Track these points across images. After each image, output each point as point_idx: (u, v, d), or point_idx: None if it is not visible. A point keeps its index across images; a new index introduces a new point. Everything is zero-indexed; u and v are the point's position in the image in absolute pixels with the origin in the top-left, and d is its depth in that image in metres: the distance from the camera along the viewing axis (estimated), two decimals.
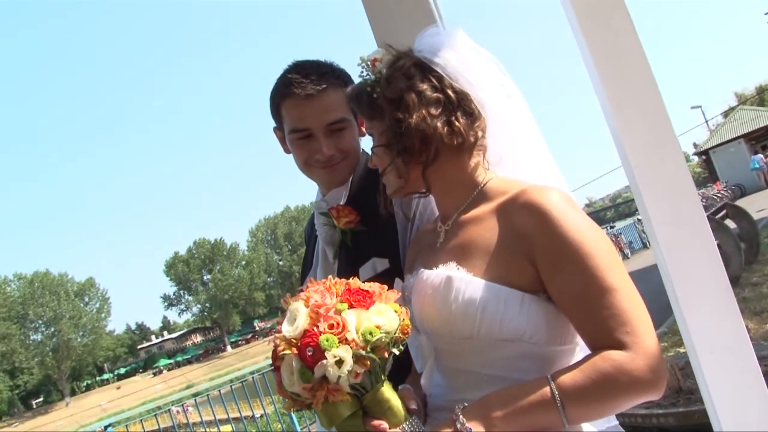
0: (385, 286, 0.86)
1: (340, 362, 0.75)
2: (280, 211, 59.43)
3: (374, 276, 1.14)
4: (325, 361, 0.75)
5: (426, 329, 0.93)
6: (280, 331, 0.81)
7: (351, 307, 0.80)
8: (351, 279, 0.86)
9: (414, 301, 0.93)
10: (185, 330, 63.20)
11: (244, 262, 56.28)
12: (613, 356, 0.76)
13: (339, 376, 0.76)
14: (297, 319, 0.79)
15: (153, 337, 64.06)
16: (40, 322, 47.78)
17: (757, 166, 20.93)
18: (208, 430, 7.88)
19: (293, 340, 0.79)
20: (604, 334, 0.78)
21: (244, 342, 56.82)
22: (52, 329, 47.75)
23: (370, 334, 0.77)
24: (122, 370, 57.87)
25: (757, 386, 1.02)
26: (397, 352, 0.82)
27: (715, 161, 25.25)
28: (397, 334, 0.80)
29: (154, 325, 67.08)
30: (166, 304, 57.72)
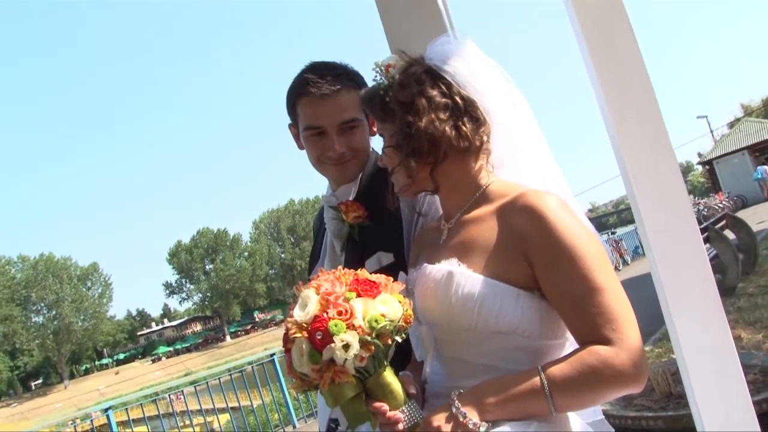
0: (391, 278, 0.91)
1: (347, 346, 0.81)
2: (284, 204, 59.62)
3: (379, 269, 1.18)
4: (333, 345, 0.80)
5: (427, 320, 0.99)
6: (291, 316, 0.86)
7: (359, 296, 0.85)
8: (359, 270, 0.91)
9: (417, 294, 0.98)
10: (185, 318, 63.44)
11: (246, 253, 56.39)
12: (599, 351, 0.81)
13: (345, 360, 0.81)
14: (308, 305, 0.85)
15: (153, 324, 64.32)
16: (43, 304, 48.12)
17: (760, 176, 20.86)
18: (206, 418, 7.98)
19: (304, 324, 0.84)
20: (592, 330, 0.83)
21: (243, 333, 56.97)
22: (54, 312, 48.07)
23: (376, 321, 0.82)
24: (121, 356, 58.19)
25: (740, 390, 1.06)
26: (399, 340, 0.87)
27: (718, 171, 25.23)
28: (400, 323, 0.85)
29: (155, 312, 67.47)
30: (167, 291, 57.97)
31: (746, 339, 4.33)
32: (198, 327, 61.87)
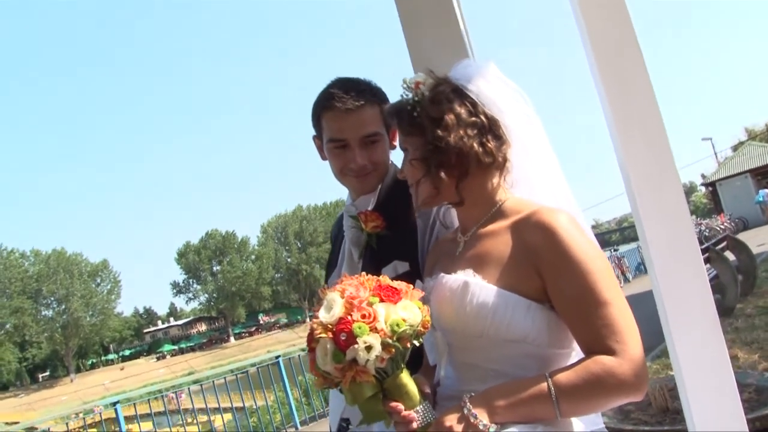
0: (411, 285, 0.96)
1: (369, 348, 0.86)
2: (291, 209, 59.80)
3: (395, 277, 1.24)
4: (356, 346, 0.85)
5: (442, 327, 1.04)
6: (317, 317, 0.92)
7: (381, 301, 0.90)
8: (381, 277, 0.96)
9: (433, 301, 1.03)
10: (191, 318, 63.62)
11: (253, 257, 56.58)
12: (604, 361, 0.87)
13: (367, 360, 0.86)
14: (333, 307, 0.90)
15: (159, 322, 64.53)
16: (53, 298, 48.59)
17: (761, 199, 20.86)
18: (210, 416, 8.05)
19: (329, 325, 0.89)
20: (597, 341, 0.89)
21: (247, 334, 57.02)
22: (63, 307, 48.51)
23: (397, 325, 0.87)
24: (127, 352, 58.47)
25: (735, 408, 1.09)
26: (417, 344, 0.92)
27: (721, 193, 25.37)
28: (419, 328, 0.91)
29: (162, 310, 67.66)
30: (174, 291, 58.39)
31: (743, 359, 4.36)
32: (203, 327, 62.00)
